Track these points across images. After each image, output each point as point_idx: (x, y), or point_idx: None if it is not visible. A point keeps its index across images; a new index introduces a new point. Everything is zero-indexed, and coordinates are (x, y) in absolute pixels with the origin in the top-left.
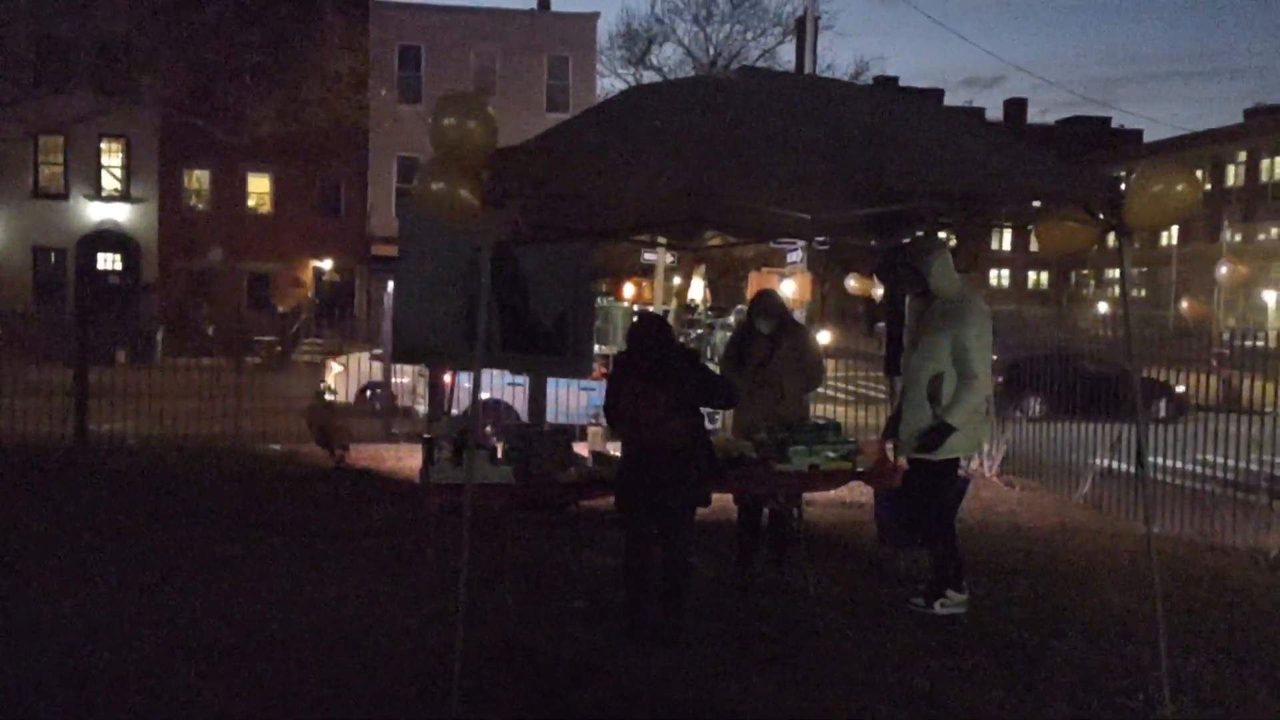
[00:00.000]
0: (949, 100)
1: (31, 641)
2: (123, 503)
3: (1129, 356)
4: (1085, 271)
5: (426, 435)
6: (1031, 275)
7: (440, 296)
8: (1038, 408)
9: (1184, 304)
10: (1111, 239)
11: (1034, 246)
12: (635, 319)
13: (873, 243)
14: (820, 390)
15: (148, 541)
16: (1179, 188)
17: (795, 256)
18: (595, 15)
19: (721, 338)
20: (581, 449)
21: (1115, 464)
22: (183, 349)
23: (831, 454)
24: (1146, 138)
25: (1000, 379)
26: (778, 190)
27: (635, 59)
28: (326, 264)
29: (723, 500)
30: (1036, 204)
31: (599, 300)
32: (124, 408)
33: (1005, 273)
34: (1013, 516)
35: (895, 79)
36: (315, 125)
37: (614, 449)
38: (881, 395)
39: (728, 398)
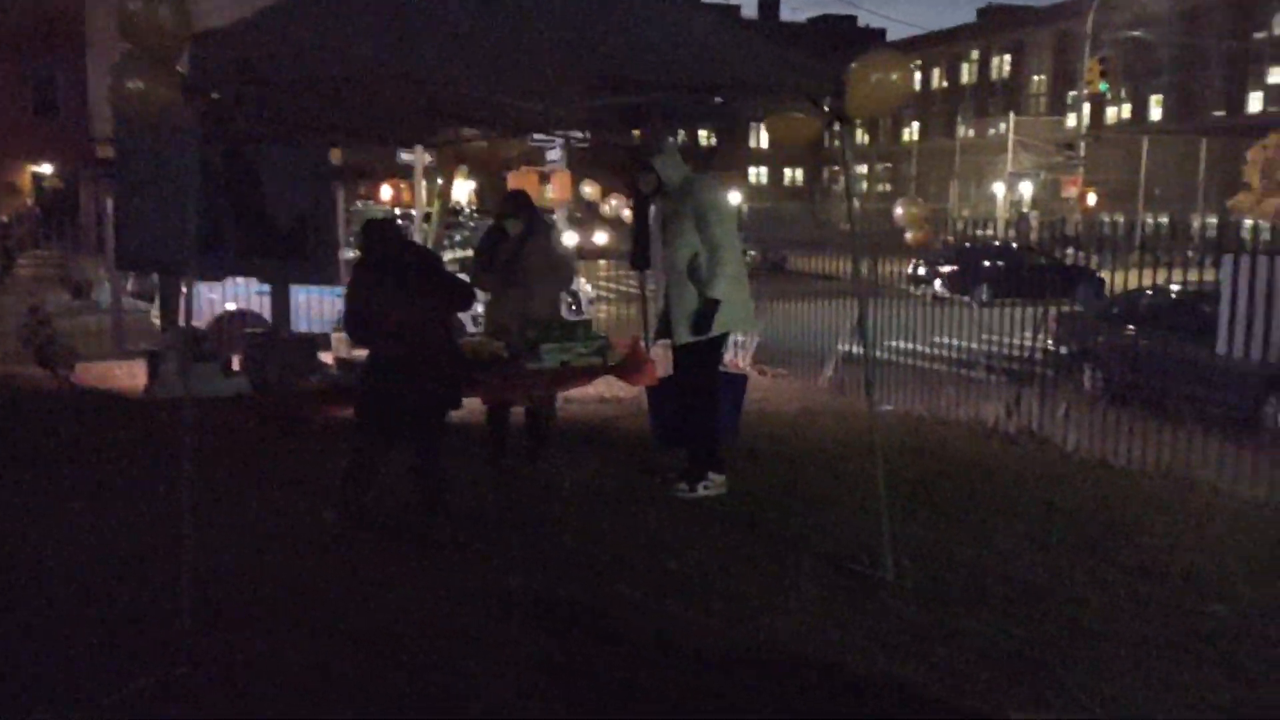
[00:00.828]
0: None
1: None
2: None
3: (854, 243)
4: (836, 168)
5: (153, 349)
6: (788, 172)
7: (165, 199)
8: (986, 293)
9: (908, 236)
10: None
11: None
12: (365, 225)
13: (635, 133)
14: (589, 289)
15: None
16: (894, 76)
17: (554, 155)
18: None
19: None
20: (327, 357)
21: (856, 348)
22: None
23: (582, 350)
24: (890, 37)
25: (954, 267)
26: (510, 79)
27: None
28: (46, 169)
29: (474, 402)
30: (769, 96)
31: (358, 204)
32: None
33: (764, 170)
34: (762, 403)
35: None
36: (19, 12)
37: (362, 355)
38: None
39: (465, 298)
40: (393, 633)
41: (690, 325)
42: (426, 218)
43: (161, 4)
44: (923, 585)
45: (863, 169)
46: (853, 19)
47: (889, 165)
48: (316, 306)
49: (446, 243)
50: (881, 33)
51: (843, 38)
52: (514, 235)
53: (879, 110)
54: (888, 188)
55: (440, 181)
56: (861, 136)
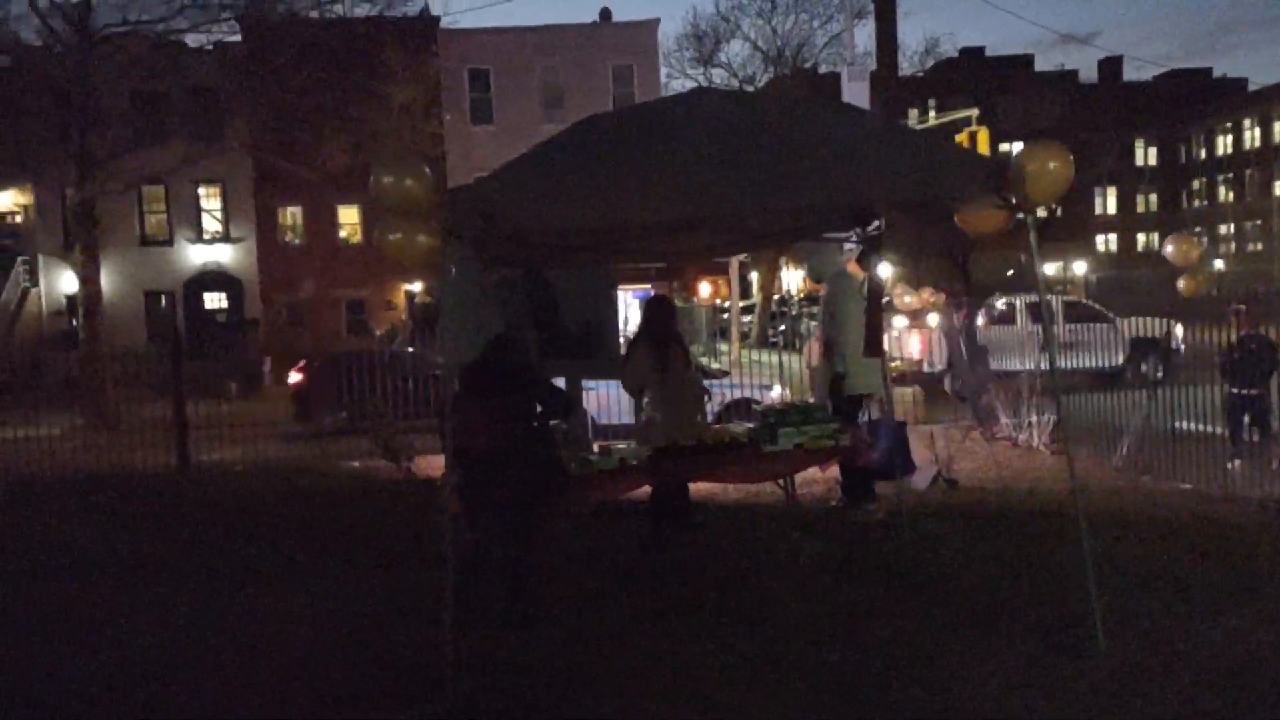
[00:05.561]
0: (1040, 64)
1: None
2: (208, 524)
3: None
4: (1198, 229)
5: None
6: (1141, 237)
7: (478, 316)
8: None
9: (1179, 283)
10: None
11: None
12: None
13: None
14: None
15: (226, 558)
16: (1051, 165)
17: (850, 245)
18: (655, 21)
19: (808, 326)
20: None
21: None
22: (288, 377)
23: (817, 433)
24: (1252, 85)
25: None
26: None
27: (704, 58)
28: (417, 286)
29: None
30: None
31: (689, 301)
32: (229, 435)
33: (1113, 237)
34: (1035, 481)
35: (982, 49)
36: (392, 155)
37: (620, 445)
38: None
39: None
40: None
41: (830, 390)
42: (747, 310)
43: (407, 179)
44: (1131, 659)
45: (1226, 229)
46: (1207, 71)
47: (1259, 222)
48: (611, 399)
49: (770, 333)
50: (1242, 83)
51: (1197, 93)
52: (676, 336)
53: (1046, 197)
54: (1259, 247)
55: (755, 275)
56: (1225, 194)
